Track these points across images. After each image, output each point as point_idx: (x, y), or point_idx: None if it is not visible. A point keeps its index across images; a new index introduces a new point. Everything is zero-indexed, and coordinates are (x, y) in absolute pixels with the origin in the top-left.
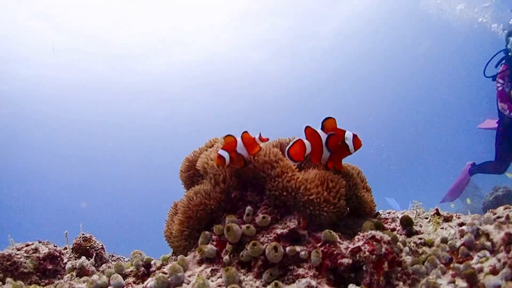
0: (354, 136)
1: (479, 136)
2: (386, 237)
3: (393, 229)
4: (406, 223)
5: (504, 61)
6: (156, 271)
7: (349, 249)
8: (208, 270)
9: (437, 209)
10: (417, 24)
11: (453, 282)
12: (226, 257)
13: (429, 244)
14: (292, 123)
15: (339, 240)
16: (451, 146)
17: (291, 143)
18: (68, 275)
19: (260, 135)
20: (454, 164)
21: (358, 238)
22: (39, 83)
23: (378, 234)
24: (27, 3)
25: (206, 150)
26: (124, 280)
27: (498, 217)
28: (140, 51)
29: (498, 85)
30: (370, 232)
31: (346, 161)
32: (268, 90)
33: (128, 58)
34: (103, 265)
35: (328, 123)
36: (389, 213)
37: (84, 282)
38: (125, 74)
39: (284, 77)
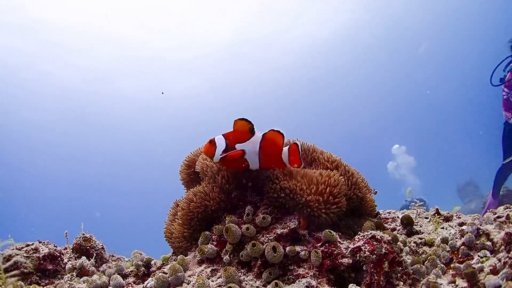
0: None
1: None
2: (387, 237)
3: (394, 229)
4: (407, 222)
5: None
6: (156, 271)
7: (350, 249)
8: (208, 270)
9: (437, 209)
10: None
11: (454, 282)
12: (226, 257)
13: (430, 244)
14: (292, 123)
15: (339, 240)
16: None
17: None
18: (68, 275)
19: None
20: (454, 163)
21: (358, 238)
22: (41, 84)
23: (379, 234)
24: None
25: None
26: (124, 280)
27: (498, 217)
28: (145, 56)
29: (504, 93)
30: (370, 232)
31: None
32: (269, 91)
33: (131, 62)
34: (103, 265)
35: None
36: (389, 213)
37: (84, 282)
38: (127, 77)
39: (285, 77)
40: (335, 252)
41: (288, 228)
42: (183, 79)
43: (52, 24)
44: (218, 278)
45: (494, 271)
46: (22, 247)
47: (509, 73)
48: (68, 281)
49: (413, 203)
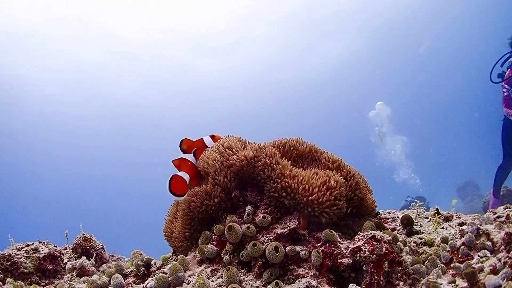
0: (212, 136)
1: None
2: (387, 237)
3: (394, 229)
4: (407, 222)
5: (510, 66)
6: (156, 271)
7: (350, 249)
8: (209, 270)
9: (437, 209)
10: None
11: (454, 281)
12: (226, 257)
13: (430, 244)
14: (292, 123)
15: (339, 240)
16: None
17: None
18: (68, 275)
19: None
20: (455, 162)
21: (358, 238)
22: (40, 84)
23: (379, 233)
24: None
25: (206, 149)
26: (124, 280)
27: (498, 217)
28: (147, 52)
29: (504, 90)
30: (370, 232)
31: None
32: (269, 92)
33: (133, 60)
34: (103, 265)
35: (184, 144)
36: (389, 212)
37: (84, 282)
38: (126, 76)
39: (286, 79)
40: (335, 252)
41: (288, 228)
42: (186, 79)
43: None
44: (218, 278)
45: (494, 271)
46: (22, 247)
47: (508, 69)
48: (68, 281)
49: (413, 203)
